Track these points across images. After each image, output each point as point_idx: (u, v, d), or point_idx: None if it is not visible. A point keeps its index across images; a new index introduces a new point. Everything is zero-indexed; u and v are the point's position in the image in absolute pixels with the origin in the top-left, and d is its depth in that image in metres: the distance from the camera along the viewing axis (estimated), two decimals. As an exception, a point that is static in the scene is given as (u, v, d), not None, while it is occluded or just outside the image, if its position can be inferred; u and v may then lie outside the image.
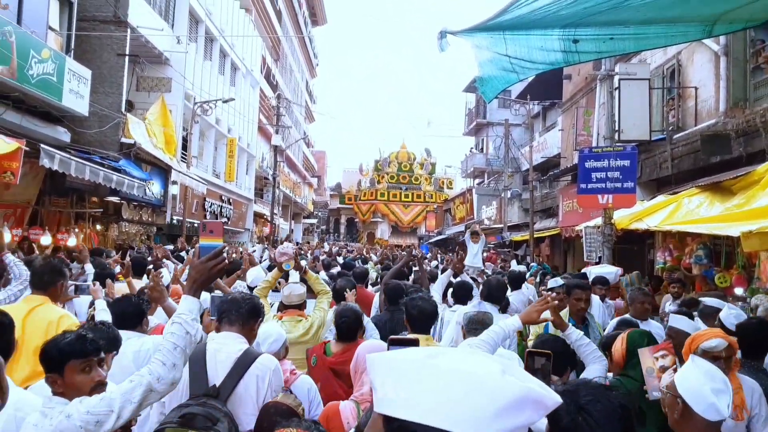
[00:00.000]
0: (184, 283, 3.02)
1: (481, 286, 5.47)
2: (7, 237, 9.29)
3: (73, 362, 2.19)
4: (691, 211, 7.80)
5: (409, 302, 3.66)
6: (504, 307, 5.25)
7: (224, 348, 2.78)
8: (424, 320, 3.58)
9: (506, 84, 5.80)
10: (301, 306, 4.43)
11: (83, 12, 13.08)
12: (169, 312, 3.66)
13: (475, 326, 3.49)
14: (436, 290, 5.37)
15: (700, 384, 2.00)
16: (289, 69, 40.14)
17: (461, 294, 5.28)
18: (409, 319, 3.63)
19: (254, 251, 12.60)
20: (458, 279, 5.79)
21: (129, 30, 14.06)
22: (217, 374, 2.68)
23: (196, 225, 20.89)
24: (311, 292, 4.66)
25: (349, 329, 3.74)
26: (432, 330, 3.83)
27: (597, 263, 10.71)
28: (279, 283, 5.02)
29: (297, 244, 21.83)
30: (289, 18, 38.15)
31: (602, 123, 15.57)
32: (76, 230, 11.86)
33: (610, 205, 8.68)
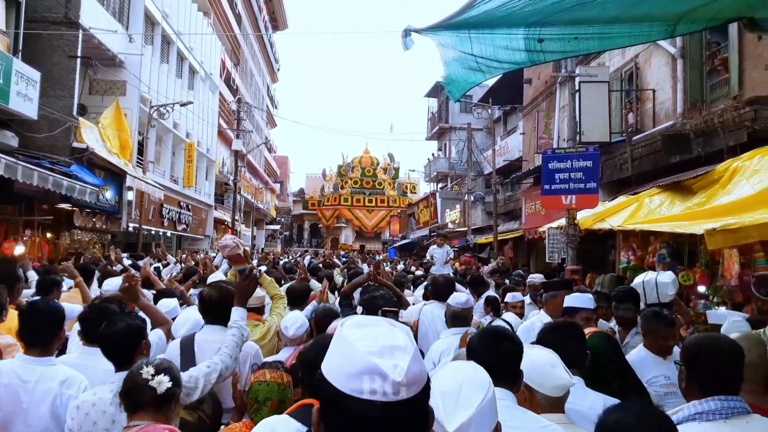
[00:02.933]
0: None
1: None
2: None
3: None
4: (652, 211, 7.88)
5: (369, 299, 3.92)
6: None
7: (210, 339, 3.21)
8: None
9: (472, 83, 5.72)
10: (259, 310, 4.29)
11: (32, 12, 12.54)
12: (145, 310, 3.67)
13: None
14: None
15: None
16: (249, 73, 39.59)
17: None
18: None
19: (215, 257, 12.27)
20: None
21: (81, 31, 13.55)
22: (203, 358, 2.98)
23: (153, 232, 20.31)
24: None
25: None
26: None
27: (560, 264, 10.79)
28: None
29: (262, 251, 21.37)
30: (249, 22, 37.66)
31: (563, 125, 15.82)
32: (24, 239, 11.26)
33: (573, 206, 8.71)
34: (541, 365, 2.16)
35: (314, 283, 6.47)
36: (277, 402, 2.48)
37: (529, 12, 4.60)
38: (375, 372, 1.01)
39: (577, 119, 10.80)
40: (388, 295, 4.60)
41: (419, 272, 11.86)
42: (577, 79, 11.03)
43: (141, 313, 4.14)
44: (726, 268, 5.53)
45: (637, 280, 4.60)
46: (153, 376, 2.18)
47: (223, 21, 29.19)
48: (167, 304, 4.13)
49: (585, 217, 8.94)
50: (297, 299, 4.69)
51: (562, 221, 10.00)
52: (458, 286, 5.45)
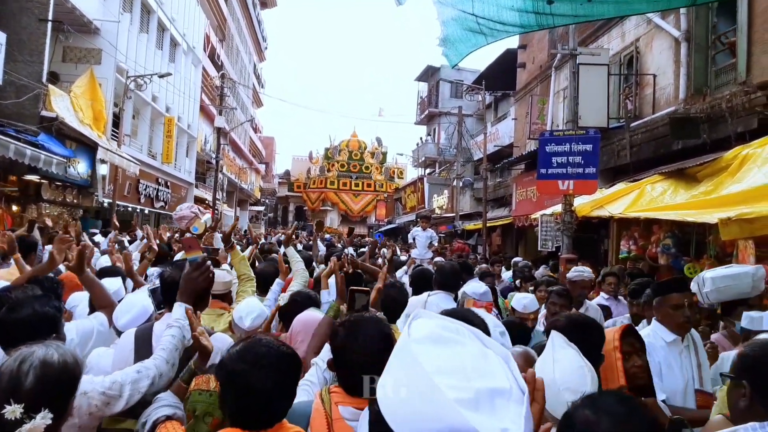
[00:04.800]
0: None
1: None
2: None
3: None
4: (654, 199, 7.41)
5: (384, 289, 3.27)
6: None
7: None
8: (393, 310, 3.34)
9: (473, 47, 5.15)
10: (224, 296, 3.70)
11: (-3, -33, 11.69)
12: (89, 286, 3.14)
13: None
14: None
15: None
16: (235, 50, 38.56)
17: (420, 284, 4.62)
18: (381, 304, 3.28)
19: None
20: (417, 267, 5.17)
21: (52, -8, 12.73)
22: None
23: (130, 209, 19.56)
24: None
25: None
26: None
27: (553, 252, 10.32)
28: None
29: (244, 233, 20.49)
30: (236, -4, 36.59)
31: (558, 109, 15.31)
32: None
33: (570, 192, 8.21)
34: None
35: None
36: (221, 420, 1.92)
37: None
38: None
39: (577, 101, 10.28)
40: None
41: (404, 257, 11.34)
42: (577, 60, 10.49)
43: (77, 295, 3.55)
44: (741, 259, 5.05)
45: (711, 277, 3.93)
46: (22, 418, 1.46)
47: (208, -7, 28.22)
48: (110, 285, 3.47)
49: (582, 204, 8.46)
50: (268, 285, 4.12)
51: (557, 208, 9.51)
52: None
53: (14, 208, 12.98)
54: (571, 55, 9.50)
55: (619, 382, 2.32)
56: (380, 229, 41.63)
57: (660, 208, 6.76)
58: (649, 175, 8.35)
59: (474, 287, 3.69)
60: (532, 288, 5.83)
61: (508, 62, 19.75)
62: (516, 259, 5.52)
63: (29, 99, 12.41)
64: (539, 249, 10.61)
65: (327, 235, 27.59)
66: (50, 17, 13.02)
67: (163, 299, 2.77)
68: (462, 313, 2.45)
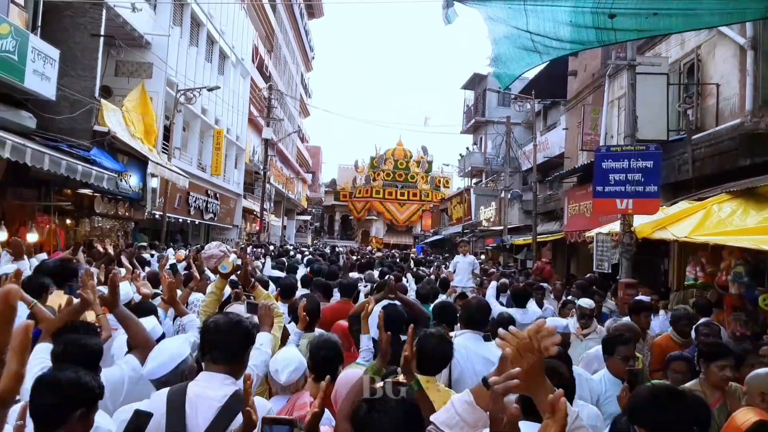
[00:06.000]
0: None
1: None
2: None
3: None
4: (723, 221, 6.85)
5: (422, 339, 2.91)
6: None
7: (207, 392, 2.28)
8: (435, 362, 2.93)
9: (526, 66, 4.82)
10: None
11: (53, -14, 11.99)
12: (123, 322, 2.97)
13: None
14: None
15: None
16: (283, 61, 39.06)
17: (442, 319, 4.29)
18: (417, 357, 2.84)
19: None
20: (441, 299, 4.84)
21: (105, 9, 12.99)
22: (197, 425, 2.22)
23: (181, 221, 19.90)
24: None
25: (329, 365, 3.02)
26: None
27: (608, 273, 9.77)
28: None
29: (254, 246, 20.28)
30: (284, 8, 37.07)
31: (613, 119, 14.68)
32: (33, 225, 10.76)
33: (629, 211, 7.73)
34: None
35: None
36: None
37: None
38: None
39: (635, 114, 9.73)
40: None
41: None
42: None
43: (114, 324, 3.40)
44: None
45: None
46: None
47: (257, 6, 28.61)
48: (145, 324, 3.29)
49: (643, 225, 7.93)
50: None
51: (614, 226, 9.00)
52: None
53: (68, 221, 13.29)
54: (628, 66, 8.98)
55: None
56: (425, 241, 41.24)
57: (730, 232, 6.23)
58: (715, 194, 7.77)
59: (555, 320, 3.33)
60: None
61: (558, 70, 19.18)
62: (581, 302, 5.07)
63: (82, 114, 12.68)
64: (594, 269, 10.09)
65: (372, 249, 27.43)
66: (102, 32, 13.31)
67: (201, 352, 2.49)
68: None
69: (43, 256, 7.81)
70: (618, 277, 8.20)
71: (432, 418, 1.69)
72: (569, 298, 7.44)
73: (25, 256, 6.12)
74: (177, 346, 2.76)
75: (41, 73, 10.60)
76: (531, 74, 23.00)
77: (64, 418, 2.01)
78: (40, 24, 11.36)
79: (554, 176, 17.35)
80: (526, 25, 4.66)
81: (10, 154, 8.34)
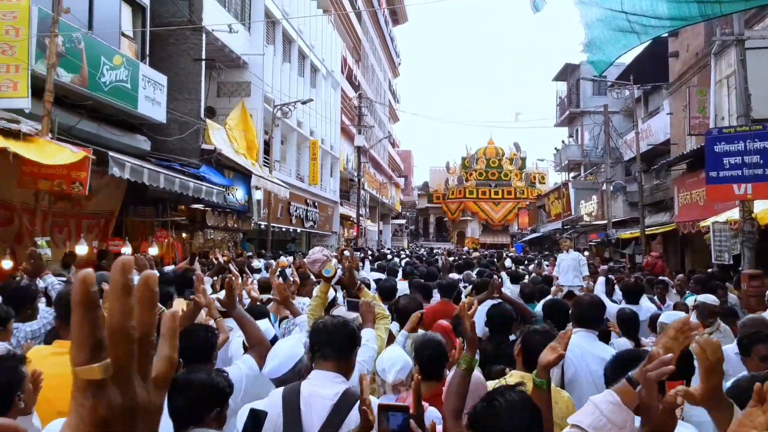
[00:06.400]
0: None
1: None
2: (83, 250, 9.15)
3: None
4: None
5: (527, 336, 2.91)
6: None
7: (319, 391, 2.38)
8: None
9: (622, 49, 4.61)
10: None
11: (158, 18, 12.93)
12: (240, 321, 3.16)
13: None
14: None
15: None
16: (370, 69, 39.73)
17: (553, 319, 4.10)
18: (523, 355, 2.91)
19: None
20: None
21: (204, 34, 13.85)
22: (312, 423, 2.31)
23: (284, 230, 20.78)
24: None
25: (436, 365, 2.97)
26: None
27: (728, 265, 9.06)
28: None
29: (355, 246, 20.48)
30: (368, 17, 37.72)
31: (722, 100, 13.64)
32: (153, 239, 11.64)
33: (748, 197, 7.14)
34: None
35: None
36: None
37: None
38: None
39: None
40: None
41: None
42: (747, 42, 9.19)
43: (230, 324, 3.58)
44: None
45: None
46: None
47: (343, 18, 29.34)
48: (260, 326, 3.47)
49: (765, 210, 7.30)
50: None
51: (732, 213, 8.36)
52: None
53: (183, 235, 14.27)
54: (736, 41, 8.32)
55: None
56: (523, 239, 40.26)
57: None
58: None
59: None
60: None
61: (658, 52, 18.07)
62: (703, 298, 4.66)
63: (190, 134, 13.57)
64: (712, 261, 9.39)
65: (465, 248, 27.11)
66: (203, 56, 14.20)
67: (312, 350, 2.60)
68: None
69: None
70: (740, 269, 7.58)
71: (573, 420, 1.64)
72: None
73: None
74: (292, 346, 2.89)
75: (152, 98, 11.47)
76: (627, 59, 21.85)
77: (202, 416, 2.16)
78: (148, 53, 12.31)
79: (660, 164, 16.35)
80: (620, 5, 4.46)
81: (130, 175, 9.09)
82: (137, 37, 11.91)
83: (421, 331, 4.06)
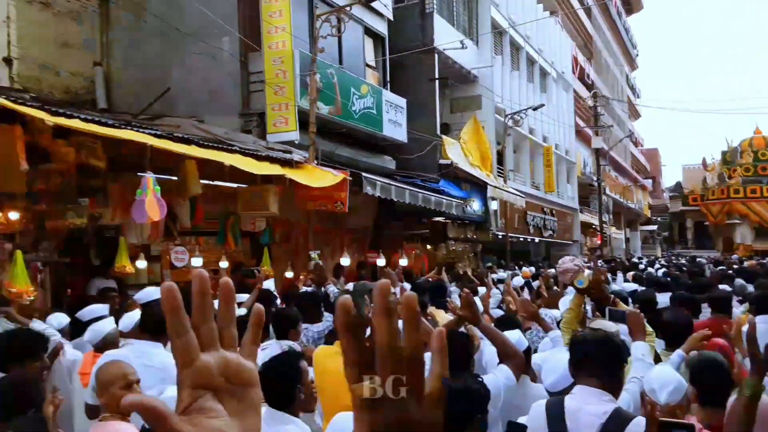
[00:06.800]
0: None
1: None
2: (346, 261, 10.18)
3: None
4: None
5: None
6: None
7: (585, 408, 2.31)
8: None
9: None
10: None
11: (394, 45, 13.95)
12: (489, 334, 3.28)
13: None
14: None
15: None
16: (604, 65, 37.44)
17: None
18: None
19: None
20: None
21: (436, 54, 14.51)
22: None
23: (522, 240, 20.52)
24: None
25: (718, 388, 2.68)
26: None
27: None
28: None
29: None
30: (598, 11, 35.68)
31: None
32: (402, 252, 12.45)
33: None
34: None
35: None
36: None
37: None
38: None
39: None
40: None
41: None
42: None
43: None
44: None
45: None
46: None
47: (570, 16, 28.23)
48: (510, 336, 3.40)
49: None
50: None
51: None
52: None
53: (428, 246, 15.03)
54: None
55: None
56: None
57: None
58: None
59: None
60: None
61: None
62: None
63: (428, 151, 14.29)
64: None
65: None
66: (437, 76, 14.88)
67: (574, 367, 2.55)
68: None
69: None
70: None
71: None
72: None
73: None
74: (566, 360, 2.83)
75: (394, 121, 12.39)
76: None
77: (465, 423, 2.19)
78: (389, 79, 13.35)
79: None
80: None
81: (380, 193, 9.92)
82: (378, 66, 13.02)
83: (693, 351, 3.64)
